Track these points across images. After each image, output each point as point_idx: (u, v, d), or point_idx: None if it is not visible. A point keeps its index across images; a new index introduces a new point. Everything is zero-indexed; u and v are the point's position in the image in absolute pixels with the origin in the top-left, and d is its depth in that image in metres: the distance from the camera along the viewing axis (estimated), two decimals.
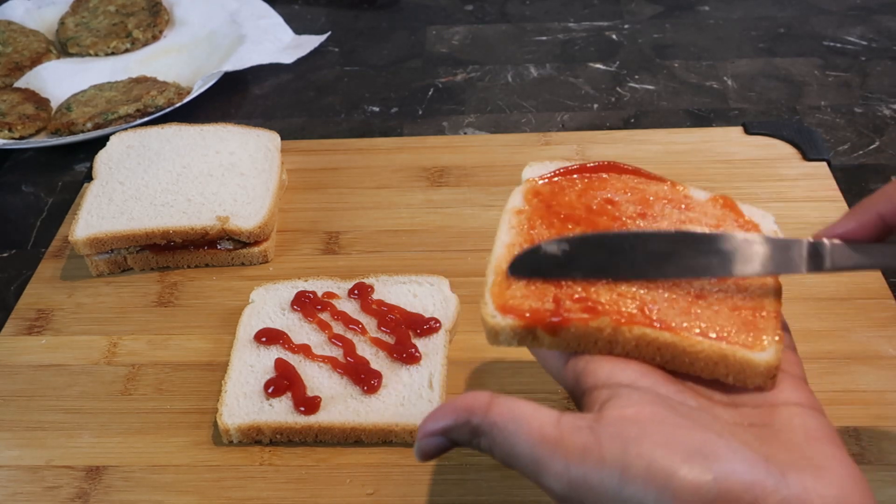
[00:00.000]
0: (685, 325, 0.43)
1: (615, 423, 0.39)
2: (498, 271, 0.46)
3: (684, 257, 0.46)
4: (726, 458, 0.37)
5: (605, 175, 0.52)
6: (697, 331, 0.43)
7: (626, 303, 0.44)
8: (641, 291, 0.45)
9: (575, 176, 0.52)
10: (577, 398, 0.44)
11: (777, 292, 0.46)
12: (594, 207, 0.50)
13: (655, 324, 0.43)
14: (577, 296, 0.45)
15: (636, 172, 0.52)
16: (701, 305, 0.45)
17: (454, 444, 0.43)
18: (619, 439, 0.38)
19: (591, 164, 0.53)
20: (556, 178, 0.52)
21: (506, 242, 0.48)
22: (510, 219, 0.49)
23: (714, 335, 0.43)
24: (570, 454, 0.39)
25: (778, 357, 0.42)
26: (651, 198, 0.51)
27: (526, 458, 0.40)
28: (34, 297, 0.74)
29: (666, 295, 0.45)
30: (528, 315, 0.44)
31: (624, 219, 0.49)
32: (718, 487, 0.36)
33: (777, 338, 0.43)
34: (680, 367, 0.43)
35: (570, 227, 0.48)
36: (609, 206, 0.50)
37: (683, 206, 0.50)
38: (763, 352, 0.42)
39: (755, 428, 0.41)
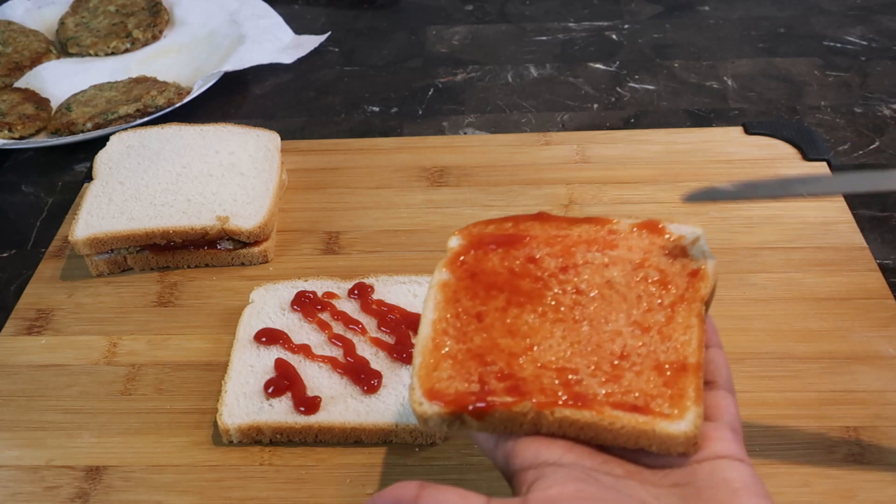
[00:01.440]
0: (607, 393, 0.44)
1: (544, 491, 0.40)
2: (425, 352, 0.46)
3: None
4: None
5: (529, 226, 0.52)
6: (618, 404, 0.43)
7: (549, 376, 0.45)
8: (563, 360, 0.45)
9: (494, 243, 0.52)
10: (507, 478, 0.44)
11: (699, 341, 0.46)
12: (516, 270, 0.50)
13: (577, 402, 0.43)
14: (499, 372, 0.45)
15: (562, 220, 0.53)
16: (624, 367, 0.45)
17: None
18: None
19: (519, 216, 0.53)
20: (479, 235, 0.52)
21: (431, 319, 0.48)
22: (435, 294, 0.49)
23: (635, 402, 0.43)
24: None
25: (696, 425, 0.42)
26: (573, 246, 0.51)
27: None
28: (34, 297, 0.74)
29: (588, 361, 0.45)
30: (452, 400, 0.44)
31: (546, 276, 0.49)
32: None
33: (695, 402, 0.43)
34: (605, 443, 0.43)
35: (493, 293, 0.49)
36: (531, 265, 0.50)
37: (606, 245, 0.51)
38: (682, 421, 0.42)
39: (679, 488, 0.41)
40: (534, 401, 0.43)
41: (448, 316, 0.48)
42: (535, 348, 0.46)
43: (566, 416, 0.43)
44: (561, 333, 0.47)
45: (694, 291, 0.48)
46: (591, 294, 0.48)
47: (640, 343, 0.46)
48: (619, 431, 0.42)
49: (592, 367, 0.45)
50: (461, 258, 0.51)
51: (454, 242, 0.52)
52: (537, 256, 0.51)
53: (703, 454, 0.43)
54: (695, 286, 0.48)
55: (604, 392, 0.44)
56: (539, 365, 0.45)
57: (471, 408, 0.44)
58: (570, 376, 0.45)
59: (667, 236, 0.51)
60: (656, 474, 0.42)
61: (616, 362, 0.45)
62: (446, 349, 0.46)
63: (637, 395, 0.44)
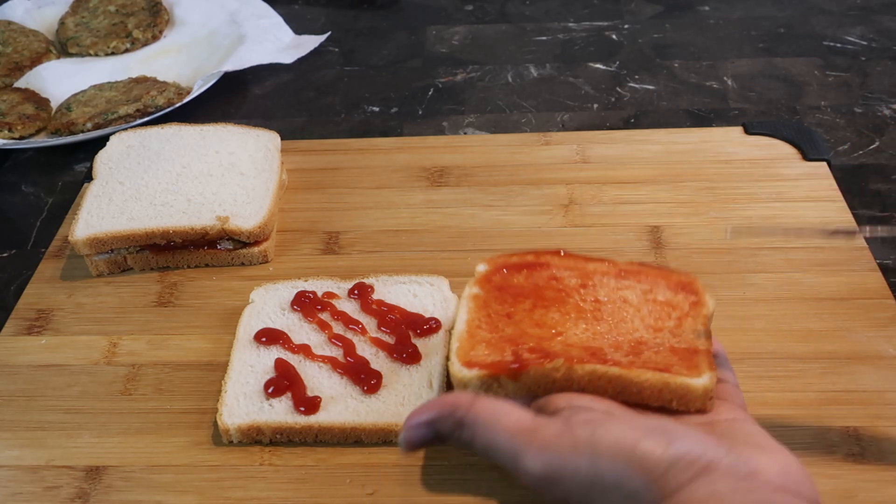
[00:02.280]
0: (630, 361, 0.49)
1: (584, 414, 0.45)
2: (461, 339, 0.52)
3: None
4: (683, 435, 0.42)
5: (549, 259, 0.58)
6: (642, 366, 0.48)
7: (576, 349, 0.50)
8: (588, 342, 0.51)
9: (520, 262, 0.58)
10: None
11: (707, 334, 0.51)
12: (540, 284, 0.56)
13: (605, 362, 0.48)
14: (531, 348, 0.50)
15: (579, 256, 0.58)
16: (643, 349, 0.50)
17: (437, 436, 0.47)
18: (589, 424, 0.44)
19: (540, 251, 0.59)
20: (504, 264, 0.58)
21: (465, 319, 0.54)
22: (468, 302, 0.55)
23: (656, 366, 0.48)
24: (546, 440, 0.44)
25: (713, 382, 0.47)
26: (590, 271, 0.56)
27: (505, 447, 0.44)
28: (34, 297, 0.74)
29: (609, 344, 0.50)
30: (489, 364, 0.49)
31: (567, 289, 0.55)
32: (677, 454, 0.41)
33: (710, 368, 0.48)
34: (630, 398, 0.48)
35: (520, 299, 0.55)
36: (553, 281, 0.56)
37: (618, 275, 0.56)
38: (700, 378, 0.47)
39: (703, 426, 0.46)
40: (565, 358, 0.48)
41: (480, 316, 0.54)
42: (562, 336, 0.51)
43: (595, 369, 0.47)
44: (584, 326, 0.52)
45: (697, 309, 0.53)
46: (608, 303, 0.54)
47: (655, 337, 0.51)
48: (644, 384, 0.47)
49: (614, 348, 0.50)
50: (489, 278, 0.57)
51: (481, 268, 0.58)
52: (559, 276, 0.56)
53: (720, 417, 0.47)
54: (697, 308, 0.53)
55: (627, 360, 0.48)
56: (567, 344, 0.50)
57: (507, 369, 0.48)
58: (595, 352, 0.49)
59: (665, 273, 0.56)
60: None
61: (635, 345, 0.50)
62: (480, 336, 0.52)
63: (658, 363, 0.48)
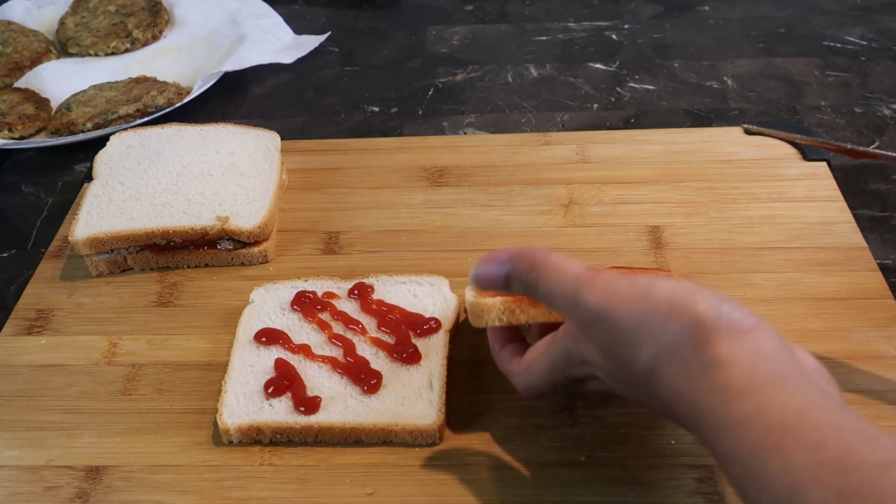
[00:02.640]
0: None
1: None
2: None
3: None
4: (731, 301, 0.46)
5: None
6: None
7: None
8: None
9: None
10: None
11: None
12: None
13: None
14: None
15: None
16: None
17: (506, 279, 0.53)
18: (647, 277, 0.48)
19: None
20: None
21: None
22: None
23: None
24: (608, 280, 0.48)
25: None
26: None
27: (568, 286, 0.49)
28: (34, 297, 0.74)
29: None
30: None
31: None
32: (727, 311, 0.45)
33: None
34: None
35: None
36: None
37: None
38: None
39: None
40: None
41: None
42: None
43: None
44: None
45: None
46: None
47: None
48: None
49: None
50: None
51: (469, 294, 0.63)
52: None
53: None
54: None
55: None
56: None
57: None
58: None
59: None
60: None
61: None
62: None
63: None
